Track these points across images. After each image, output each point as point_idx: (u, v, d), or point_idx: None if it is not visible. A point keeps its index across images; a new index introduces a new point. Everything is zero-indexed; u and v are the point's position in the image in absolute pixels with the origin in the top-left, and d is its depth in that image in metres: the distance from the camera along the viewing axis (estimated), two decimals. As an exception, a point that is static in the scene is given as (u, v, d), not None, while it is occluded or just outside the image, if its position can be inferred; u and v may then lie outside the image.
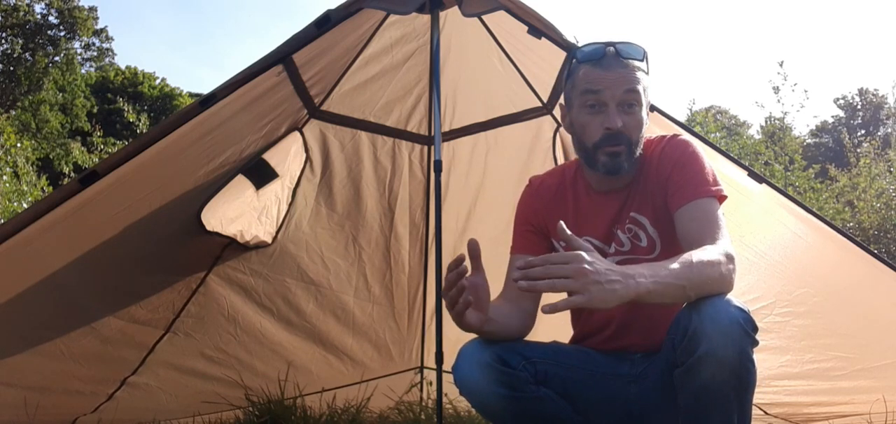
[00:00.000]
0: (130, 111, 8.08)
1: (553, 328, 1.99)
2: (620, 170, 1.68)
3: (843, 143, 10.25)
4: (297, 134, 2.85)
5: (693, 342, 1.39)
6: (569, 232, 1.42)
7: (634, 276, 1.37)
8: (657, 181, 1.70)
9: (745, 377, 1.40)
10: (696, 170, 1.66)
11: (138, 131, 8.12)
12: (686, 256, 1.46)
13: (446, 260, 3.11)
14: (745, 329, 1.39)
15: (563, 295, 1.36)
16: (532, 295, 1.77)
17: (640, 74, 1.68)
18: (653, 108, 2.23)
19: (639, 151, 1.70)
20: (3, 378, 2.46)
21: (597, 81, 1.66)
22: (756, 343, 1.42)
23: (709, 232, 1.55)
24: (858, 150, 9.43)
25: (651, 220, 1.71)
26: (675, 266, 1.42)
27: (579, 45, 1.96)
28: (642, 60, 1.70)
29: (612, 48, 1.67)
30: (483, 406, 1.63)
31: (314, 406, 2.99)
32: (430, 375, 3.30)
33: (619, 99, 1.65)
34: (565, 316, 1.92)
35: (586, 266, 1.33)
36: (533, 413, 1.59)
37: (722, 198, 1.64)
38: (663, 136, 1.77)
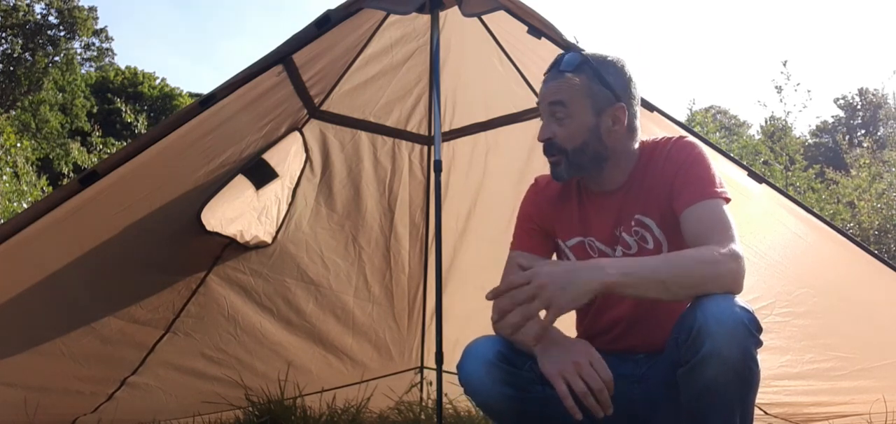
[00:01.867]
0: (128, 111, 8.05)
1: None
2: (560, 178, 1.75)
3: (846, 143, 10.25)
4: (297, 134, 2.85)
5: (697, 341, 1.39)
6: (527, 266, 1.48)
7: (603, 267, 1.42)
8: (663, 182, 1.70)
9: (748, 377, 1.40)
10: (702, 171, 1.66)
11: (137, 131, 8.08)
12: (671, 253, 1.52)
13: (446, 260, 3.14)
14: (750, 328, 1.40)
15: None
16: None
17: (575, 83, 1.68)
18: (652, 108, 2.23)
19: (588, 157, 1.71)
20: (3, 378, 2.45)
21: (540, 94, 1.76)
22: (760, 343, 1.42)
23: (714, 233, 1.54)
24: (855, 152, 9.43)
25: (658, 222, 1.71)
26: (653, 261, 1.49)
27: (579, 45, 1.97)
28: (575, 69, 1.69)
29: (559, 59, 1.74)
30: (487, 406, 1.63)
31: (314, 406, 2.99)
32: (430, 375, 3.30)
33: (548, 110, 1.72)
34: (570, 317, 1.92)
35: (543, 278, 1.38)
36: (537, 413, 1.59)
37: (726, 201, 1.64)
38: (669, 138, 1.77)
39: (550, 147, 1.71)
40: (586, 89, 1.69)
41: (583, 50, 1.76)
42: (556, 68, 1.72)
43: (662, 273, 1.44)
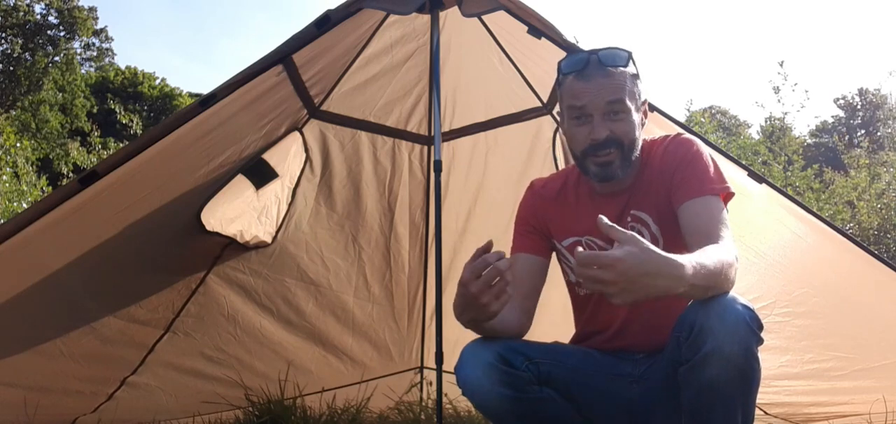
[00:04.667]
0: (123, 113, 8.08)
1: (554, 327, 2.00)
2: (613, 177, 1.69)
3: (844, 143, 10.26)
4: (296, 134, 2.85)
5: (699, 339, 1.40)
6: (609, 222, 1.33)
7: (681, 274, 1.31)
8: (661, 179, 1.70)
9: (750, 375, 1.40)
10: (701, 167, 1.66)
11: (133, 132, 8.11)
12: (715, 259, 1.41)
13: (446, 260, 3.14)
14: (751, 327, 1.40)
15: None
16: (533, 295, 1.77)
17: (625, 79, 1.68)
18: (652, 108, 2.23)
19: (635, 154, 1.71)
20: (3, 378, 2.45)
21: (580, 94, 1.68)
22: (761, 341, 1.43)
23: (712, 230, 1.55)
24: (856, 152, 9.45)
25: (654, 218, 1.71)
26: (708, 267, 1.38)
27: (579, 44, 1.97)
28: (626, 65, 1.69)
29: (595, 56, 1.68)
30: (485, 407, 1.63)
31: (314, 406, 2.99)
32: (430, 375, 3.30)
33: (603, 109, 1.66)
34: (568, 315, 1.92)
35: (621, 276, 1.26)
36: (535, 414, 1.59)
37: (728, 196, 1.65)
38: (667, 136, 1.77)
39: (607, 144, 1.65)
40: (632, 85, 1.69)
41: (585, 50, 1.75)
42: (598, 64, 1.66)
43: (711, 280, 1.38)
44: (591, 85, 1.66)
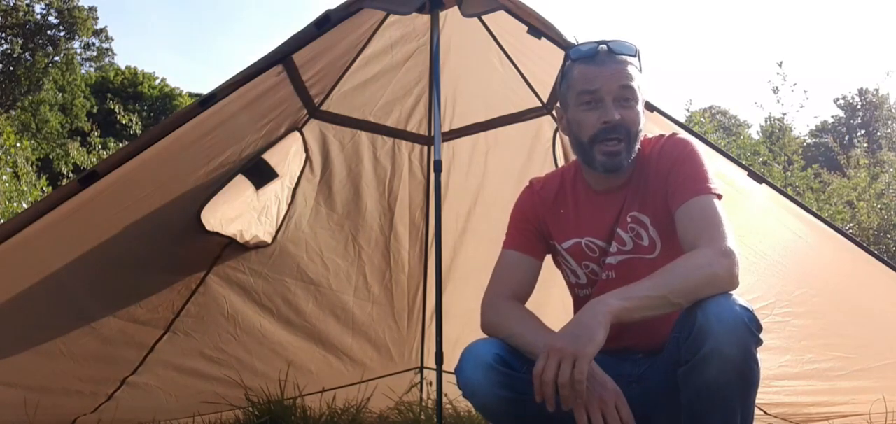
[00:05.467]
0: (123, 113, 8.08)
1: (554, 328, 1.99)
2: (619, 167, 1.68)
3: (842, 143, 10.25)
4: (296, 134, 2.85)
5: (698, 340, 1.40)
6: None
7: (603, 301, 1.45)
8: (657, 180, 1.70)
9: (749, 376, 1.41)
10: (695, 168, 1.66)
11: (133, 132, 8.10)
12: (666, 266, 1.51)
13: (446, 260, 3.15)
14: (750, 327, 1.40)
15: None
16: (523, 296, 1.78)
17: (633, 71, 1.70)
18: (652, 108, 2.23)
19: (637, 147, 1.71)
20: (3, 378, 2.46)
21: (593, 78, 1.68)
22: (760, 342, 1.43)
23: (706, 231, 1.55)
24: (850, 154, 9.46)
25: (652, 220, 1.71)
26: (650, 279, 1.48)
27: (578, 44, 1.97)
28: (635, 57, 1.72)
29: (604, 46, 1.70)
30: (486, 409, 1.63)
31: (314, 406, 2.99)
32: (430, 375, 3.30)
33: (615, 94, 1.66)
34: (568, 315, 1.92)
35: (553, 344, 1.43)
36: (535, 416, 1.58)
37: (718, 198, 1.65)
38: (661, 135, 1.77)
39: (617, 129, 1.65)
40: (638, 78, 1.71)
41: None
42: (609, 52, 1.68)
43: (662, 288, 1.46)
44: (604, 69, 1.67)
